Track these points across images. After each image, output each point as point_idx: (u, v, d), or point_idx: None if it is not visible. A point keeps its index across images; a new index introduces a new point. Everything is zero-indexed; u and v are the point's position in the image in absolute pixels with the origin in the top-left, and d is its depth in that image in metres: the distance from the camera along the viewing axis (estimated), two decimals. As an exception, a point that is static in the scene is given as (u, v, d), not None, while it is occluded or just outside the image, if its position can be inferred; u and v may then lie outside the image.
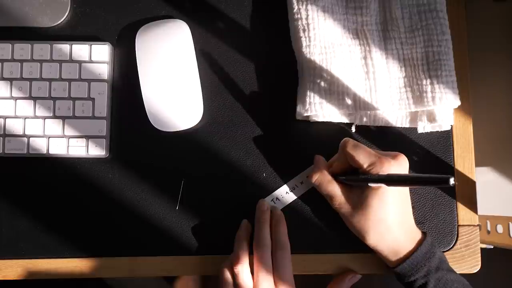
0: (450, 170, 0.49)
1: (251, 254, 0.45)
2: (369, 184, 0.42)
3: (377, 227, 0.42)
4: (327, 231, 0.48)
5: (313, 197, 0.48)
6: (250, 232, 0.47)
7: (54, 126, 0.48)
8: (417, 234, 0.44)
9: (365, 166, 0.42)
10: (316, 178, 0.46)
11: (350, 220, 0.44)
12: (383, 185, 0.41)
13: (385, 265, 0.46)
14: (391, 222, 0.42)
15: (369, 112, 0.48)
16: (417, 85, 0.47)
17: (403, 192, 0.44)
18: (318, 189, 0.46)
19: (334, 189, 0.44)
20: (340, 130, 0.49)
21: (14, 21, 0.50)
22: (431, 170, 0.49)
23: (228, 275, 0.44)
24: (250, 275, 0.44)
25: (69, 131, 0.48)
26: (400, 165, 0.42)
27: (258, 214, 0.47)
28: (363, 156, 0.42)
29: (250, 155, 0.49)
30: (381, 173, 0.41)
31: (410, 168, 0.46)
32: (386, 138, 0.49)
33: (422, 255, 0.43)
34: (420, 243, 0.43)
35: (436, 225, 0.49)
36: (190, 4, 0.51)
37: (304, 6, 0.47)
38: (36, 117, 0.48)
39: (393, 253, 0.43)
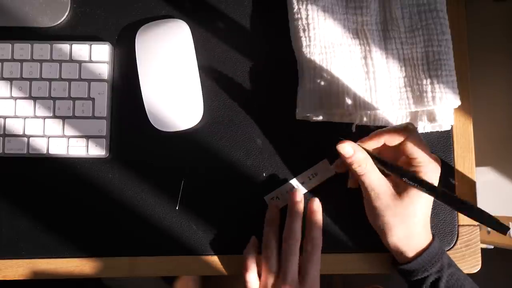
0: (450, 170, 0.49)
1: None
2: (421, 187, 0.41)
3: (407, 222, 0.42)
4: (328, 231, 0.48)
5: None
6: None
7: (54, 126, 0.48)
8: (430, 233, 0.45)
9: (421, 166, 0.41)
10: (362, 157, 0.41)
11: (385, 212, 0.42)
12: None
13: (389, 264, 0.46)
14: (420, 219, 0.43)
15: (369, 112, 0.48)
16: (417, 85, 0.47)
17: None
18: (358, 172, 0.42)
19: (380, 177, 0.42)
20: (340, 130, 0.49)
21: (14, 21, 0.50)
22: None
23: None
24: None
25: (69, 131, 0.48)
26: (438, 171, 0.43)
27: (290, 204, 0.46)
28: (424, 155, 0.41)
29: (250, 155, 0.49)
30: (428, 175, 0.41)
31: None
32: (386, 138, 0.49)
33: (435, 251, 0.43)
34: (431, 242, 0.44)
35: (436, 225, 0.49)
36: (190, 4, 0.51)
37: (304, 6, 0.47)
38: (36, 117, 0.48)
39: (412, 249, 0.43)
